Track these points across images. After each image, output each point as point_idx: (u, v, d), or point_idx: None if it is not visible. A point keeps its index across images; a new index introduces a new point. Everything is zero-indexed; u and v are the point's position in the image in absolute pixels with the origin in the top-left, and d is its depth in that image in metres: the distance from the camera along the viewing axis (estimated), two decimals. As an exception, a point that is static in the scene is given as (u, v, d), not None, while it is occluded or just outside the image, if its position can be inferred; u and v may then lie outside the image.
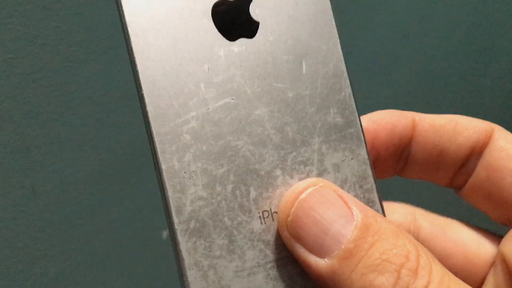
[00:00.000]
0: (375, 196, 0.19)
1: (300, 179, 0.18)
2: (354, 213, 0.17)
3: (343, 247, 0.16)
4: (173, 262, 0.17)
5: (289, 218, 0.17)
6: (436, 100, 0.61)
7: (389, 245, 0.16)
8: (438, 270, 0.16)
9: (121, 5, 0.17)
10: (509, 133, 0.22)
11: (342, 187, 0.19)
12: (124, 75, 0.45)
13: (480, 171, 0.22)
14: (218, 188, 0.18)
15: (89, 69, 0.43)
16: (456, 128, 0.22)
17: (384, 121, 0.22)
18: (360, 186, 0.19)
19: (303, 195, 0.17)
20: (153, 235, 0.47)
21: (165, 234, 0.47)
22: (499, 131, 0.22)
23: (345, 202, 0.17)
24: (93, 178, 0.45)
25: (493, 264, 0.22)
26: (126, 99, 0.45)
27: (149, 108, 0.17)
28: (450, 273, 0.16)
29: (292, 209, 0.17)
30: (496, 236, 0.23)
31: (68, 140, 0.44)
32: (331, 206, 0.17)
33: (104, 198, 0.46)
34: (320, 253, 0.16)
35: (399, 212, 0.24)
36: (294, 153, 0.18)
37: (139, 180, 0.47)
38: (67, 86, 0.43)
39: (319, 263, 0.16)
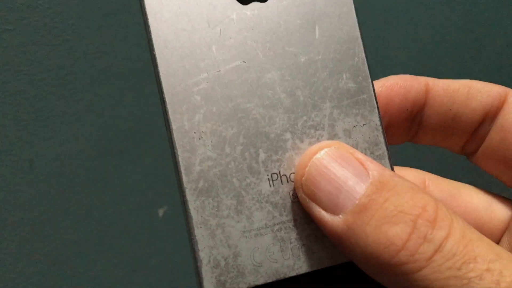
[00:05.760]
0: (386, 163, 0.19)
1: (310, 143, 0.18)
2: (370, 172, 0.16)
3: (357, 202, 0.16)
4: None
5: (303, 178, 0.17)
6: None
7: (405, 198, 0.16)
8: (460, 224, 0.15)
9: None
10: None
11: None
12: (122, 50, 0.44)
13: (493, 135, 0.21)
14: (227, 149, 0.18)
15: (86, 43, 0.43)
16: (470, 92, 0.21)
17: (397, 86, 0.22)
18: (372, 152, 0.19)
19: (317, 155, 0.17)
20: (149, 213, 0.47)
21: (161, 212, 0.46)
22: None
23: (361, 163, 0.17)
24: (90, 153, 0.45)
25: (506, 228, 0.21)
26: (124, 74, 0.44)
27: (160, 68, 0.18)
28: (472, 228, 0.16)
29: (306, 169, 0.17)
30: (508, 200, 0.22)
31: (65, 114, 0.44)
32: (346, 165, 0.17)
33: (100, 174, 0.46)
34: (335, 211, 0.16)
35: (409, 177, 0.23)
36: (304, 117, 0.18)
37: (136, 156, 0.46)
38: (64, 59, 0.43)
39: (334, 220, 0.16)
